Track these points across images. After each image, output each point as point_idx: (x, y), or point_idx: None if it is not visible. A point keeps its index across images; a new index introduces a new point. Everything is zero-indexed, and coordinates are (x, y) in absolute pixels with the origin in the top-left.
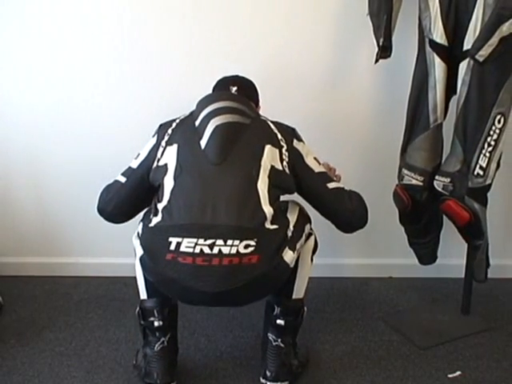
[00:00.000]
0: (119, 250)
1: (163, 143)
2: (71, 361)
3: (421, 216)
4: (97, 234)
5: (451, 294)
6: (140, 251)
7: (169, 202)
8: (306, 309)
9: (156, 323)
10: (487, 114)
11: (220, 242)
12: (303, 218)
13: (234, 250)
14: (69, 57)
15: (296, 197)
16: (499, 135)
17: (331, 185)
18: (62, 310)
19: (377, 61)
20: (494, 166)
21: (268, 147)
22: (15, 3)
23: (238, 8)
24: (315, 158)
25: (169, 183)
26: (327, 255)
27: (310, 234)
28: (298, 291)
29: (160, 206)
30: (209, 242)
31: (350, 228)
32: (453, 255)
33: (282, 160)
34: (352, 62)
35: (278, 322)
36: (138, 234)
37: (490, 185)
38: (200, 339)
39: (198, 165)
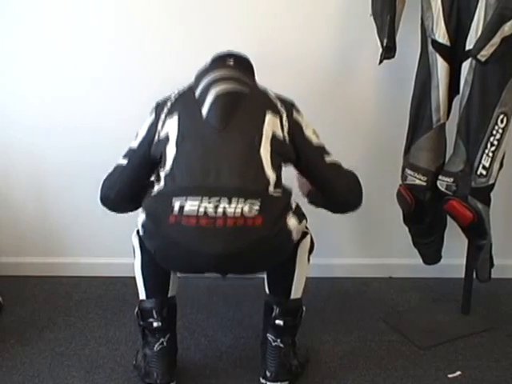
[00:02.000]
0: (119, 250)
1: (162, 117)
2: (71, 361)
3: (424, 216)
4: (97, 234)
5: (451, 294)
6: (142, 218)
7: (171, 168)
8: (304, 308)
9: (155, 324)
10: (490, 114)
11: (224, 201)
12: (300, 214)
13: (238, 210)
14: (68, 55)
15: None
16: (502, 135)
17: (328, 159)
18: (62, 310)
19: (381, 61)
20: (497, 165)
21: (269, 115)
22: (15, 4)
23: (236, 8)
24: (314, 131)
25: (171, 151)
26: (327, 255)
27: (305, 233)
28: (296, 291)
29: (163, 174)
30: (213, 201)
31: (345, 206)
32: (453, 255)
33: (282, 128)
34: (355, 63)
35: (277, 322)
36: (138, 231)
37: (493, 185)
38: (200, 339)
39: (200, 132)
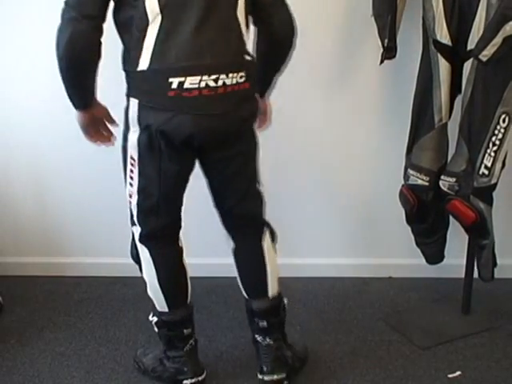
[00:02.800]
0: (119, 250)
1: None
2: (71, 361)
3: (427, 216)
4: (97, 234)
5: (451, 294)
6: (135, 102)
7: (158, 36)
8: (286, 301)
9: (186, 331)
10: (492, 114)
11: (223, 76)
12: None
13: (234, 81)
14: None
15: None
16: (504, 134)
17: None
18: (62, 310)
19: (382, 62)
20: (499, 165)
21: None
22: (16, 4)
23: None
24: None
25: (153, 12)
26: (327, 255)
27: (263, 227)
28: (273, 287)
29: (149, 42)
30: (213, 77)
31: (285, 30)
32: (453, 255)
33: None
34: (356, 63)
35: (261, 324)
36: (143, 240)
37: (495, 184)
38: (200, 339)
39: None
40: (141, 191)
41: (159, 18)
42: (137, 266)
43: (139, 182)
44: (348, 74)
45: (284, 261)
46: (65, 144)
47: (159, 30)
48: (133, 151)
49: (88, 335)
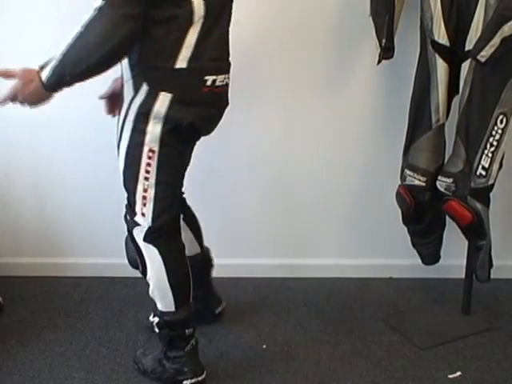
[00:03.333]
0: (119, 250)
1: None
2: (71, 361)
3: (424, 216)
4: (97, 234)
5: (451, 294)
6: (165, 104)
7: (198, 37)
8: None
9: (187, 331)
10: (489, 115)
11: (229, 74)
12: None
13: (227, 81)
14: None
15: None
16: (501, 135)
17: None
18: (62, 310)
19: (379, 62)
20: (496, 166)
21: None
22: (15, 3)
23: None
24: None
25: (198, 12)
26: (327, 255)
27: None
28: None
29: (188, 42)
30: (229, 75)
31: None
32: (453, 255)
33: None
34: (353, 63)
35: (215, 263)
36: (150, 238)
37: (492, 185)
38: (200, 339)
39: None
40: (159, 182)
41: (201, 20)
42: (136, 269)
43: (158, 173)
44: (345, 74)
45: (284, 261)
46: (65, 145)
47: (200, 32)
48: (152, 144)
49: (88, 336)
